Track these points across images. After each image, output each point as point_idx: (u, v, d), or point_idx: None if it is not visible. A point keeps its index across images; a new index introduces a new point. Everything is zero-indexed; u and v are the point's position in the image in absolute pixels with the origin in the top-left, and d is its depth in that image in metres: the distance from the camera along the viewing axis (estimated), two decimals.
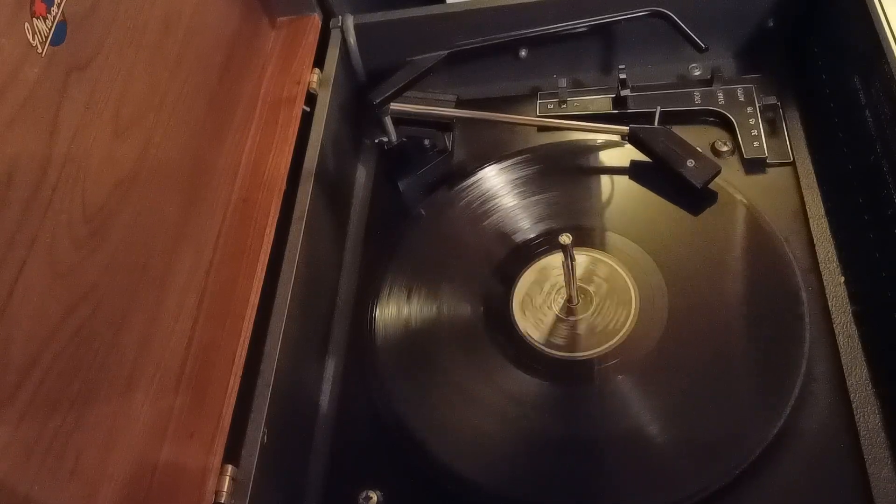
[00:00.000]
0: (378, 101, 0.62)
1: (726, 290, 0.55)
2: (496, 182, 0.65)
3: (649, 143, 0.61)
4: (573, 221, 0.61)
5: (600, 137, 0.65)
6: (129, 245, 0.48)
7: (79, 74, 0.44)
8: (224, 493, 0.46)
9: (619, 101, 0.67)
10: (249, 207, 0.59)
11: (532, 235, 0.61)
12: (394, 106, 0.64)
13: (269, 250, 0.56)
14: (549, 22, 0.66)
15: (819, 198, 0.59)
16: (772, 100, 0.64)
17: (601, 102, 0.67)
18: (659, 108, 0.62)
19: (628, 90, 0.66)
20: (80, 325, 0.43)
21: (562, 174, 0.65)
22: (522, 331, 0.56)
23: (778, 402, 0.49)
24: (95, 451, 0.43)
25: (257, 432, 0.48)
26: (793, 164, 0.61)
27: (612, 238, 0.59)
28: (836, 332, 0.52)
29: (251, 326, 0.53)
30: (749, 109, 0.64)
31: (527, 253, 0.60)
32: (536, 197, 0.63)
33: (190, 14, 0.57)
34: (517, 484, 0.50)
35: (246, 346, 0.52)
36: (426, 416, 0.54)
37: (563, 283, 0.56)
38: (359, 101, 0.72)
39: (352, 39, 0.69)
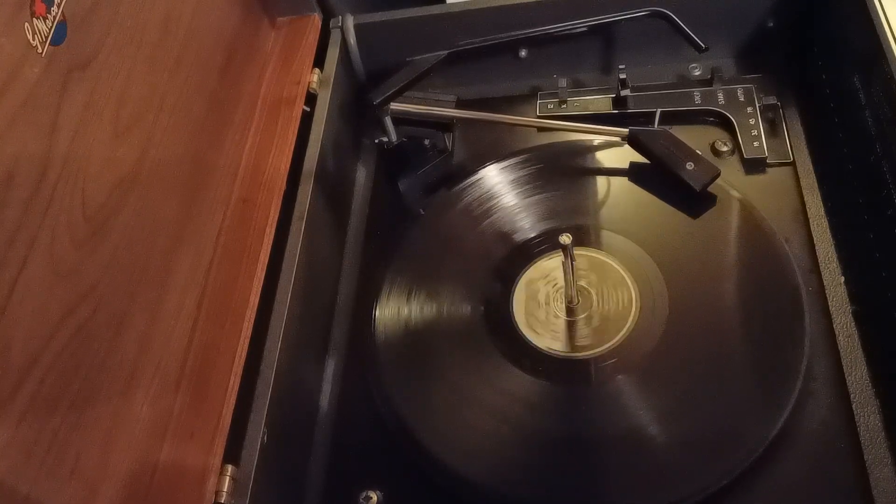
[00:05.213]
0: (378, 101, 0.62)
1: (726, 290, 0.55)
2: (496, 182, 0.65)
3: (648, 146, 0.61)
4: (573, 221, 0.61)
5: (600, 139, 0.65)
6: (129, 245, 0.48)
7: (79, 74, 0.44)
8: (224, 493, 0.46)
9: (619, 101, 0.67)
10: (249, 207, 0.59)
11: (532, 235, 0.61)
12: (394, 106, 0.64)
13: (269, 250, 0.56)
14: (549, 22, 0.65)
15: (819, 198, 0.59)
16: (772, 100, 0.64)
17: (601, 102, 0.67)
18: (659, 109, 0.62)
19: (628, 90, 0.66)
20: (80, 325, 0.43)
21: (562, 174, 0.65)
22: (522, 331, 0.56)
23: (778, 401, 0.49)
24: (95, 451, 0.43)
25: (257, 432, 0.48)
26: (793, 164, 0.61)
27: (613, 238, 0.59)
28: (836, 332, 0.52)
29: (251, 326, 0.53)
30: (749, 109, 0.63)
31: (527, 253, 0.60)
32: (536, 197, 0.63)
33: (190, 14, 0.57)
34: (517, 484, 0.50)
35: (246, 346, 0.52)
36: (426, 416, 0.54)
37: (563, 283, 0.56)
38: (359, 101, 0.72)
39: (352, 39, 0.69)
